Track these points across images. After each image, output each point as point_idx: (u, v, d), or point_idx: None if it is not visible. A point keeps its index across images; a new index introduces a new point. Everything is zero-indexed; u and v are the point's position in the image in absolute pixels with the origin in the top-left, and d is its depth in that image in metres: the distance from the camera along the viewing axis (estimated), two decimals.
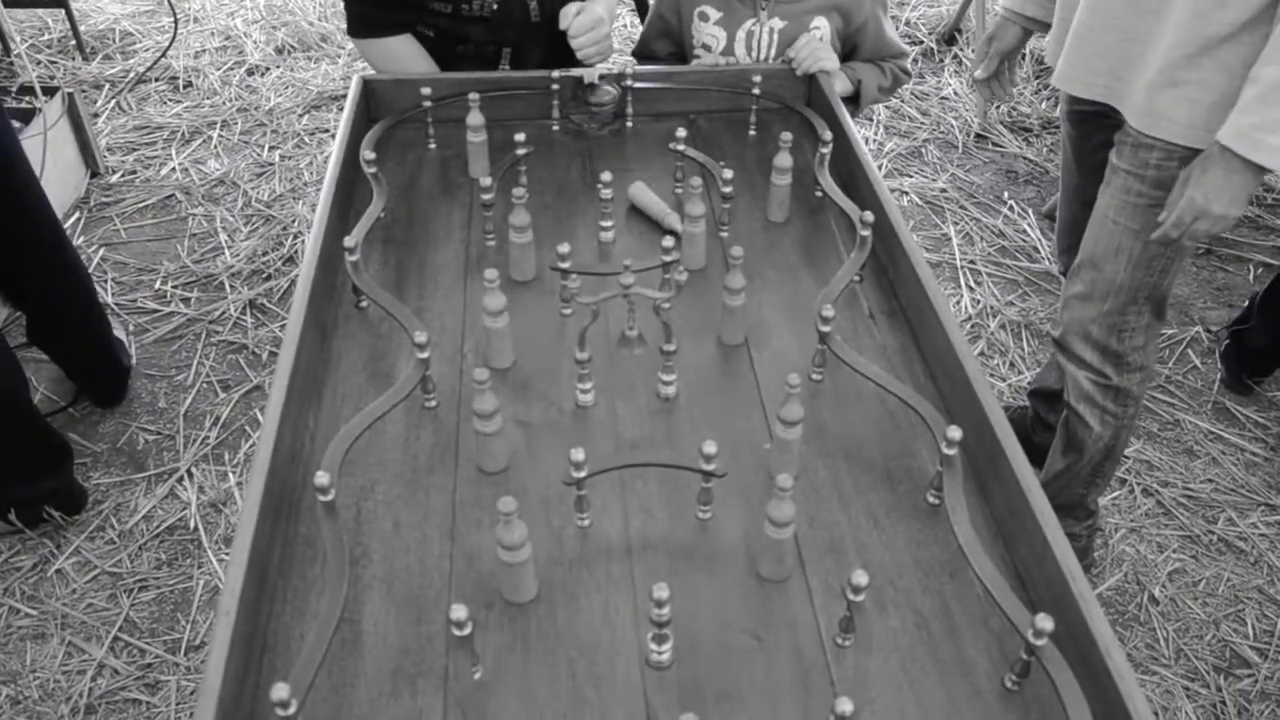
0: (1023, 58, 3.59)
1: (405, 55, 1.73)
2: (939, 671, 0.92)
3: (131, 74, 3.56)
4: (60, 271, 2.10)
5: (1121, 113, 1.58)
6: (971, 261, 2.83)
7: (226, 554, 1.99)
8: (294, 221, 2.87)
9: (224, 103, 3.43)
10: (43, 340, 2.22)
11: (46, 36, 3.77)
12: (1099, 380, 1.74)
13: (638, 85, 1.67)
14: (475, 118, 1.51)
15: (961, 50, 3.80)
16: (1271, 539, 2.09)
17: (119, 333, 2.37)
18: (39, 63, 3.61)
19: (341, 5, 1.73)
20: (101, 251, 2.75)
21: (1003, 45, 1.79)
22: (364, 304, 1.31)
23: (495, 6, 1.69)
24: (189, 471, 2.16)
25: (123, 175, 3.06)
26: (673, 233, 1.40)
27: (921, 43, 3.86)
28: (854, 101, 1.80)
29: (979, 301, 2.69)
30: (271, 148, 3.21)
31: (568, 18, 1.67)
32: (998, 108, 3.46)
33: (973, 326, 2.62)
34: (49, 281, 2.10)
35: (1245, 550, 2.07)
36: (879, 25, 1.77)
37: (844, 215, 1.41)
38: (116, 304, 2.57)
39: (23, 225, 1.99)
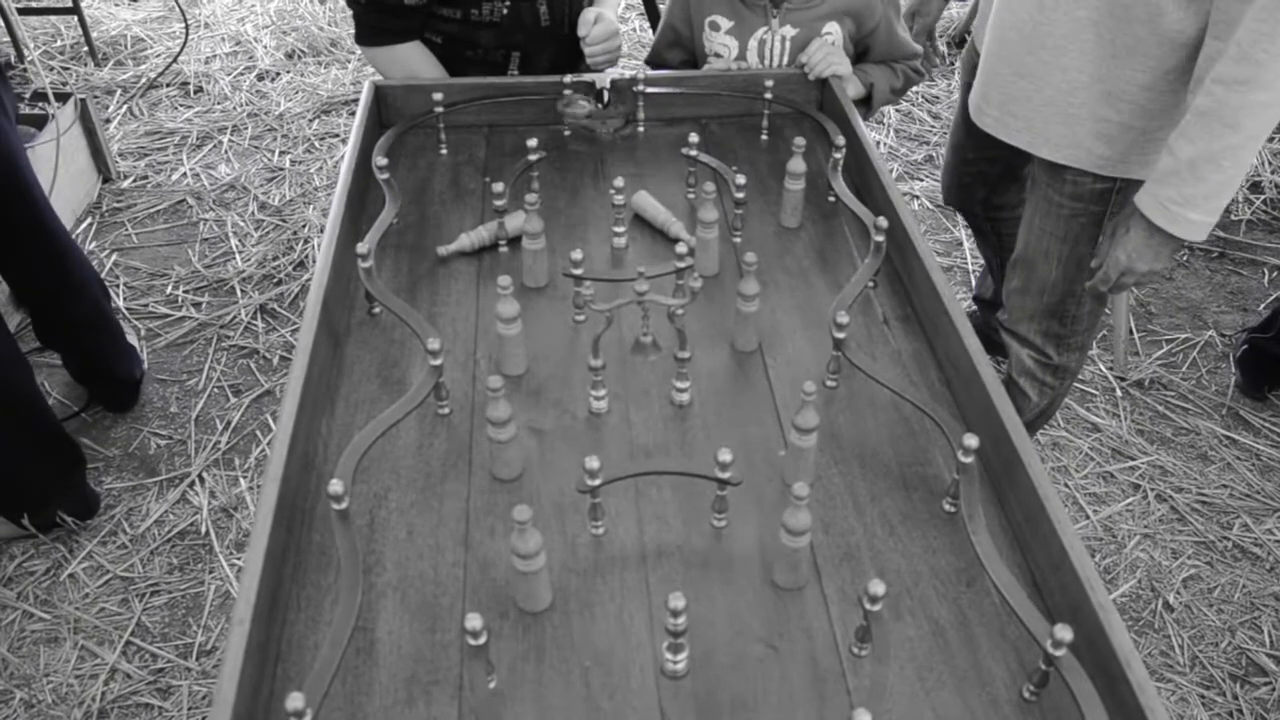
0: None
1: (414, 62, 1.73)
2: (956, 681, 0.91)
3: (143, 80, 3.58)
4: (69, 276, 2.11)
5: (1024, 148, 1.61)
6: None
7: (238, 559, 1.99)
8: (304, 226, 2.88)
9: (235, 108, 3.44)
10: (55, 344, 2.22)
11: (59, 43, 3.79)
12: (1040, 359, 1.80)
13: (650, 90, 1.67)
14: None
15: None
16: None
17: (130, 338, 2.37)
18: (51, 69, 3.63)
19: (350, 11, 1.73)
20: (114, 257, 2.76)
21: (927, 22, 1.89)
22: (376, 310, 1.31)
23: (505, 11, 1.69)
24: (200, 476, 2.16)
25: (134, 180, 3.08)
26: (679, 241, 1.39)
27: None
28: (865, 103, 1.79)
29: None
30: (282, 152, 3.22)
31: (587, 25, 1.67)
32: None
33: None
34: (58, 286, 2.10)
35: (1261, 557, 2.05)
36: (890, 27, 1.76)
37: (857, 220, 1.40)
38: (128, 309, 2.57)
39: (28, 229, 2.00)
